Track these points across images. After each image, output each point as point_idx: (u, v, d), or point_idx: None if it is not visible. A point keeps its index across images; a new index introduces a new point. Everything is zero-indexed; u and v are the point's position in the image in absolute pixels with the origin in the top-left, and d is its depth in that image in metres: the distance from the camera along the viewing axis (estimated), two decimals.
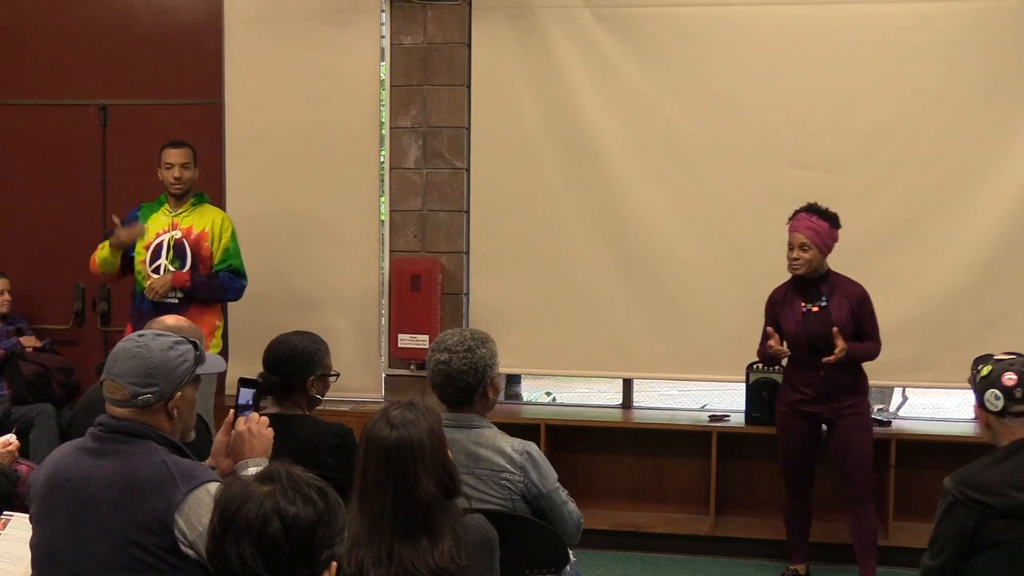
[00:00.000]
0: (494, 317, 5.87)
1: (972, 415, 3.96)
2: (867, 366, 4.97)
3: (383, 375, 6.13)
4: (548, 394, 9.79)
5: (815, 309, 4.80)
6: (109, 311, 6.38)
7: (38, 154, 6.47)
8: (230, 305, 5.76)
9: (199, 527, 2.37)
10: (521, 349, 5.92)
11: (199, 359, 2.64)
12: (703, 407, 7.67)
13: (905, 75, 5.56)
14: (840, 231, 4.92)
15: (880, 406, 7.97)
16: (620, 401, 6.30)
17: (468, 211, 6.02)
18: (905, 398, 9.63)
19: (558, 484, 3.23)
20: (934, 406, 9.05)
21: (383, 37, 6.04)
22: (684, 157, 5.77)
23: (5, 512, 3.07)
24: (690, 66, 5.74)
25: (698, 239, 5.77)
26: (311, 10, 6.07)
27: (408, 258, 6.01)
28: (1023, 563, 2.81)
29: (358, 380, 5.94)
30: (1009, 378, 2.92)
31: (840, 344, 4.64)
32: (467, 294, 6.06)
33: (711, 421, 5.76)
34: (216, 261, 5.33)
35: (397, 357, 6.01)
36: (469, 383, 3.19)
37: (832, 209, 4.89)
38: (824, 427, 4.91)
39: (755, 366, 5.44)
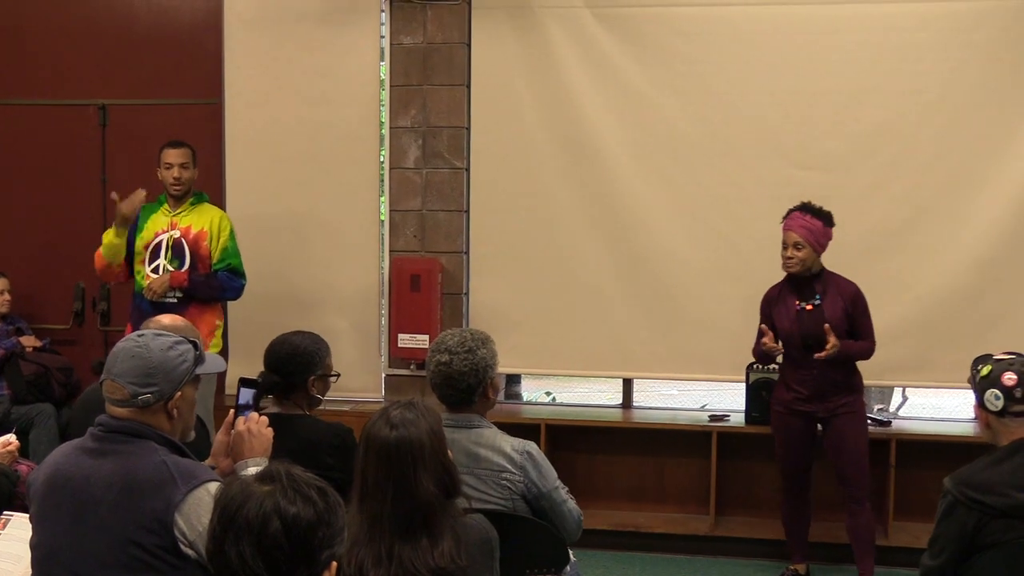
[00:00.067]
0: (494, 317, 5.87)
1: (972, 415, 3.96)
2: (867, 366, 4.97)
3: (383, 375, 6.13)
4: (548, 394, 9.79)
5: (809, 307, 4.81)
6: (109, 311, 6.38)
7: (38, 154, 6.47)
8: (230, 305, 5.76)
9: (199, 527, 2.37)
10: (521, 349, 5.92)
11: (199, 359, 2.64)
12: (703, 407, 7.68)
13: (905, 75, 5.56)
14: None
15: (880, 406, 7.99)
16: (620, 401, 6.30)
17: (468, 211, 6.02)
18: (905, 398, 9.63)
19: (558, 483, 3.23)
20: (934, 406, 9.05)
21: (383, 37, 6.04)
22: (684, 157, 5.77)
23: (5, 512, 3.07)
24: (690, 66, 5.74)
25: (698, 239, 5.78)
26: (311, 10, 6.07)
27: (408, 258, 6.01)
28: (1022, 563, 2.82)
29: (358, 380, 5.94)
30: (1009, 378, 2.92)
31: (832, 341, 4.65)
32: (467, 294, 6.06)
33: (711, 421, 5.76)
34: (215, 260, 5.33)
35: (397, 357, 6.01)
36: (470, 384, 3.19)
37: (832, 209, 4.89)
38: (820, 426, 4.91)
39: (755, 366, 5.44)
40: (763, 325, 4.88)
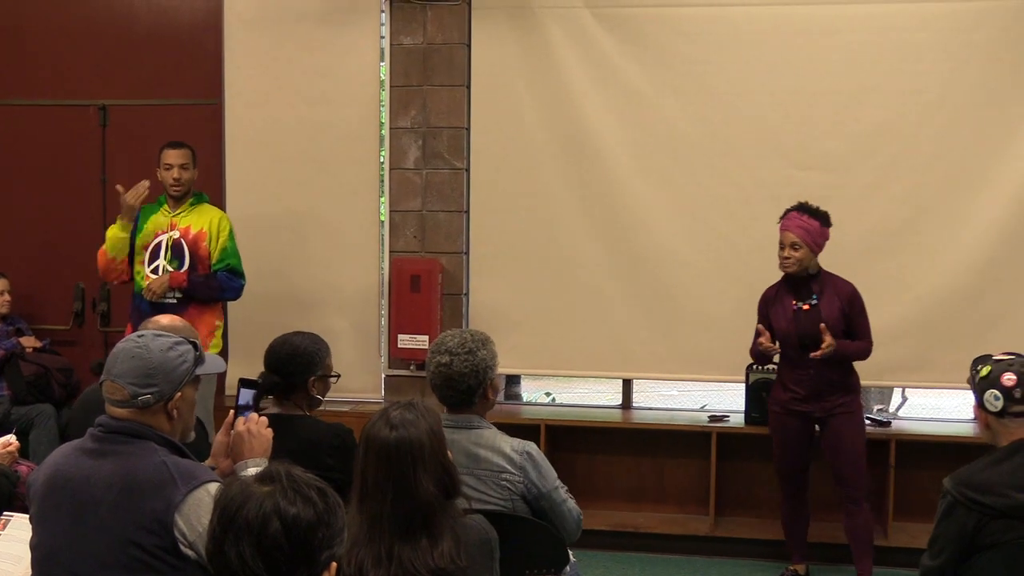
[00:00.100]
0: (494, 317, 5.88)
1: (971, 415, 3.96)
2: (867, 366, 4.98)
3: (383, 375, 6.13)
4: (548, 394, 9.79)
5: (806, 307, 4.81)
6: (109, 311, 6.38)
7: (38, 154, 6.47)
8: (230, 305, 5.76)
9: (199, 527, 2.37)
10: (521, 349, 5.92)
11: (199, 359, 2.64)
12: (703, 407, 7.68)
13: (905, 75, 5.56)
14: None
15: (880, 406, 7.98)
16: (620, 401, 6.30)
17: (468, 211, 6.02)
18: (905, 398, 9.63)
19: (558, 483, 3.24)
20: (933, 406, 9.05)
21: (383, 37, 6.04)
22: (684, 157, 5.77)
23: (5, 513, 3.07)
24: (690, 66, 5.74)
25: (698, 239, 5.78)
26: (311, 10, 6.07)
27: (408, 258, 6.01)
28: (1022, 563, 2.82)
29: (358, 380, 5.94)
30: (1008, 378, 2.92)
31: (828, 340, 4.66)
32: (467, 294, 6.06)
33: (711, 421, 5.76)
34: (214, 261, 5.33)
35: (397, 357, 6.01)
36: (470, 385, 3.19)
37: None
38: (817, 427, 4.91)
39: (754, 367, 5.44)
40: (760, 325, 4.89)
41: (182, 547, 2.41)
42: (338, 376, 3.60)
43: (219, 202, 5.94)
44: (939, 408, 8.81)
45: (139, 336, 2.61)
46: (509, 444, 3.19)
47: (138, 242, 5.34)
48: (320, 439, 3.40)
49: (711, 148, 5.73)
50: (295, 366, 3.46)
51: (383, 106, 6.08)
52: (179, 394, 2.56)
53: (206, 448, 2.99)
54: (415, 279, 5.90)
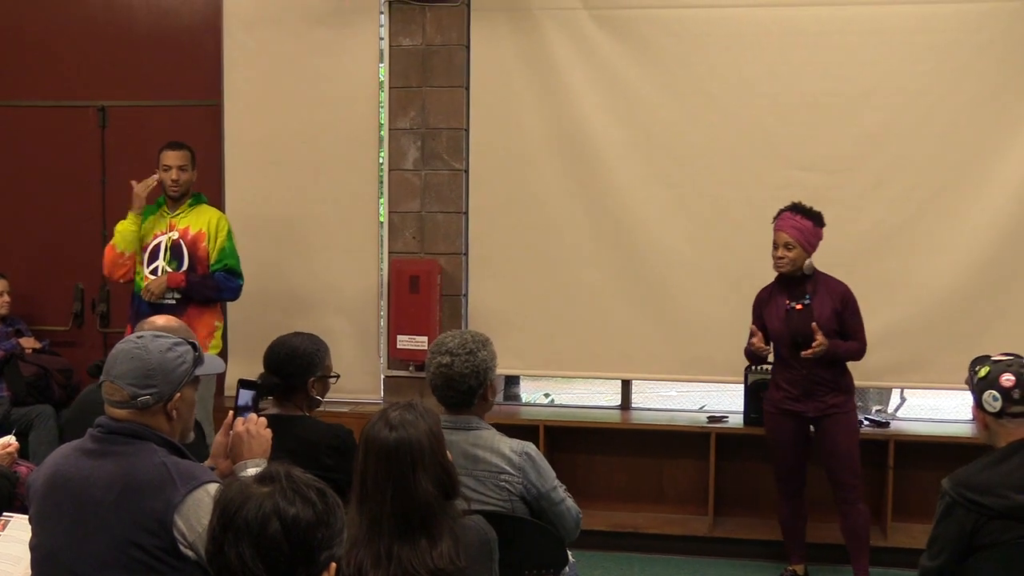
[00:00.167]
0: (493, 318, 5.88)
1: (970, 416, 3.97)
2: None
3: (382, 376, 6.14)
4: (547, 395, 9.78)
5: (798, 307, 4.82)
6: (108, 312, 6.39)
7: (38, 156, 6.48)
8: (229, 306, 5.77)
9: (198, 528, 2.38)
10: (520, 350, 5.92)
11: (198, 360, 2.64)
12: (702, 408, 7.67)
13: (905, 76, 5.57)
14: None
15: (878, 407, 7.98)
16: (619, 402, 6.30)
17: (467, 212, 6.03)
18: (903, 399, 9.62)
19: (556, 482, 3.24)
20: (932, 407, 9.04)
21: (382, 39, 6.05)
22: (683, 158, 5.77)
23: (5, 513, 3.07)
24: (689, 68, 5.74)
25: (697, 240, 5.78)
26: (310, 12, 6.07)
27: (407, 259, 6.01)
28: (1020, 563, 2.82)
29: (357, 381, 5.93)
30: (1007, 379, 2.93)
31: (819, 339, 4.66)
32: (466, 295, 6.06)
33: (709, 422, 5.76)
34: (212, 261, 5.34)
35: (396, 358, 6.01)
36: (471, 385, 3.20)
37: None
38: (812, 428, 4.92)
39: (752, 367, 5.44)
40: (753, 325, 4.90)
41: (182, 547, 2.41)
42: (337, 377, 3.61)
43: (218, 203, 5.94)
44: (938, 409, 8.80)
45: (138, 337, 2.61)
46: (508, 445, 3.19)
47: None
48: (319, 440, 3.40)
49: (711, 149, 5.74)
50: (294, 367, 3.47)
51: (382, 107, 6.08)
52: (178, 395, 2.57)
53: (204, 450, 3.00)
54: (414, 280, 5.91)
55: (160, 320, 3.49)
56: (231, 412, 2.85)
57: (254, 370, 3.44)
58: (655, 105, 5.78)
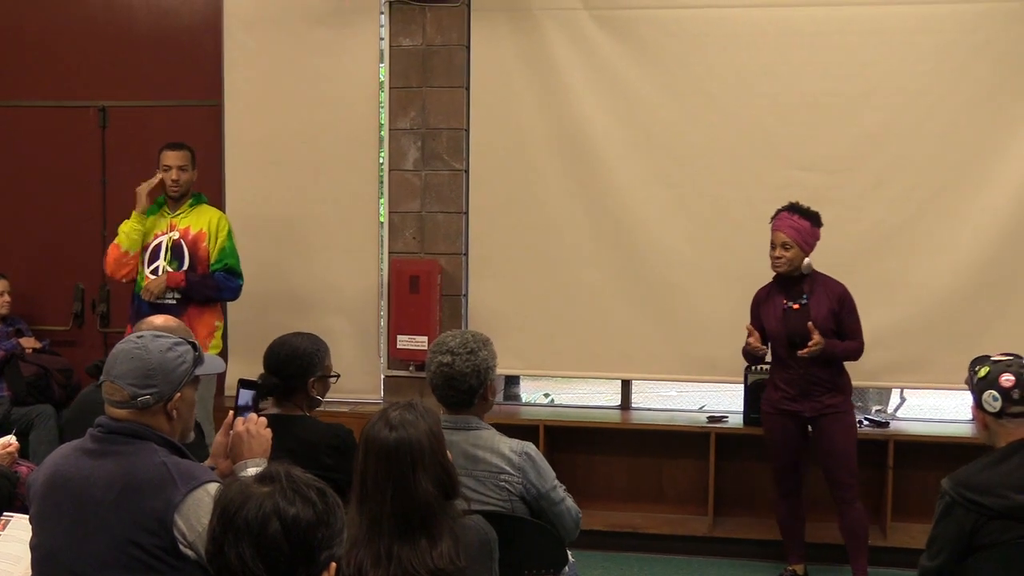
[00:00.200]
0: (493, 318, 5.88)
1: (970, 416, 3.97)
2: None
3: (382, 376, 6.14)
4: (546, 395, 9.78)
5: (795, 307, 4.83)
6: (108, 312, 6.39)
7: (38, 156, 6.48)
8: (229, 306, 5.77)
9: (198, 528, 2.38)
10: (520, 350, 5.93)
11: (198, 360, 2.64)
12: (701, 408, 7.66)
13: (904, 76, 5.57)
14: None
15: (878, 407, 7.98)
16: (619, 402, 6.30)
17: (467, 213, 6.03)
18: (903, 399, 9.62)
19: (556, 482, 3.24)
20: (932, 407, 9.04)
21: (382, 39, 6.05)
22: (683, 158, 5.77)
23: (5, 513, 3.07)
24: (689, 68, 5.74)
25: (697, 240, 5.78)
26: (310, 12, 6.07)
27: (407, 260, 6.01)
28: (1020, 563, 2.82)
29: (357, 381, 5.93)
30: (1007, 379, 2.93)
31: (816, 338, 4.66)
32: (466, 295, 6.06)
33: (709, 422, 5.76)
34: (212, 260, 5.34)
35: (396, 358, 6.01)
36: (471, 385, 3.20)
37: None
38: (809, 427, 4.92)
39: (752, 367, 5.44)
40: (750, 325, 4.90)
41: (182, 547, 2.41)
42: (337, 377, 3.61)
43: (218, 203, 5.94)
44: (937, 409, 8.80)
45: (138, 337, 2.61)
46: (508, 445, 3.19)
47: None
48: (319, 440, 3.40)
49: (711, 149, 5.74)
50: (294, 367, 3.47)
51: (382, 107, 6.08)
52: (178, 395, 2.57)
53: (204, 450, 3.00)
54: (414, 280, 5.91)
55: (159, 320, 3.49)
56: (231, 412, 2.85)
57: (254, 370, 3.44)
58: (655, 105, 5.78)
